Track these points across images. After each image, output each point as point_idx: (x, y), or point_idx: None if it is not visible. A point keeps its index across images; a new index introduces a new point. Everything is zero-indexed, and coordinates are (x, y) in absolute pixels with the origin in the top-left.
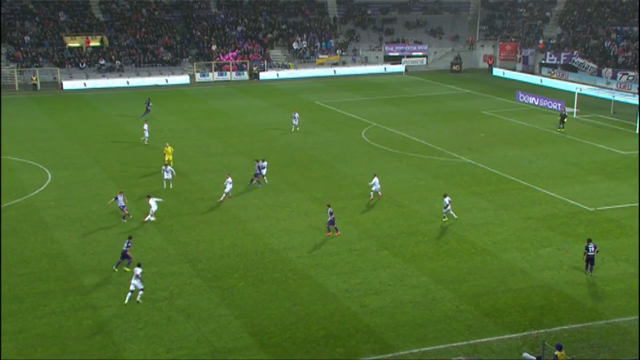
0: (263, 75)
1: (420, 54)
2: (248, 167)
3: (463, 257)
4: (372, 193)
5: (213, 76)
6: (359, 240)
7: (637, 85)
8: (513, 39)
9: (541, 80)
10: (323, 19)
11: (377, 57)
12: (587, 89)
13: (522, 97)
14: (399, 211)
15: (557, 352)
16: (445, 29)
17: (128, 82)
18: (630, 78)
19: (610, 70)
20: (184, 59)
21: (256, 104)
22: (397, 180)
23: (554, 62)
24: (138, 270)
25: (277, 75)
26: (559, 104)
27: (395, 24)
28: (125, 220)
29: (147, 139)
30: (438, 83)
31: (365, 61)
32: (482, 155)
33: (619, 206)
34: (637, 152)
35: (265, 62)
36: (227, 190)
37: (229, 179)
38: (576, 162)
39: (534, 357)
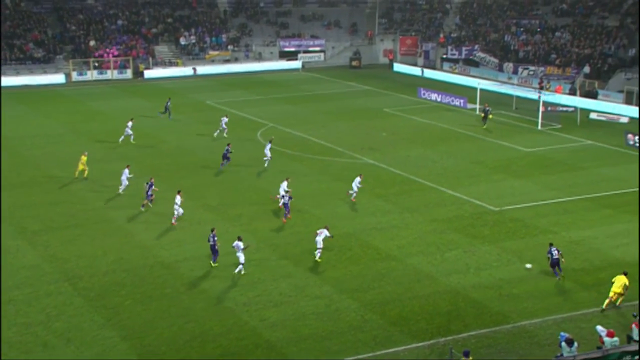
0: (148, 74)
1: (318, 49)
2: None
3: (367, 263)
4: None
5: (92, 75)
6: (257, 250)
7: (538, 81)
8: (413, 33)
9: (440, 76)
10: (212, 12)
11: (271, 52)
12: (488, 85)
13: (424, 94)
14: (300, 217)
15: (464, 359)
16: (343, 22)
17: None
18: (531, 73)
19: (511, 64)
20: (57, 56)
21: (142, 105)
22: (297, 184)
23: (456, 56)
24: (240, 244)
25: (164, 73)
26: (462, 100)
27: (290, 17)
28: (144, 209)
29: (132, 137)
30: (337, 80)
31: (259, 57)
32: (384, 155)
33: (523, 205)
34: (542, 149)
35: (150, 59)
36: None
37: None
38: (480, 160)
39: None
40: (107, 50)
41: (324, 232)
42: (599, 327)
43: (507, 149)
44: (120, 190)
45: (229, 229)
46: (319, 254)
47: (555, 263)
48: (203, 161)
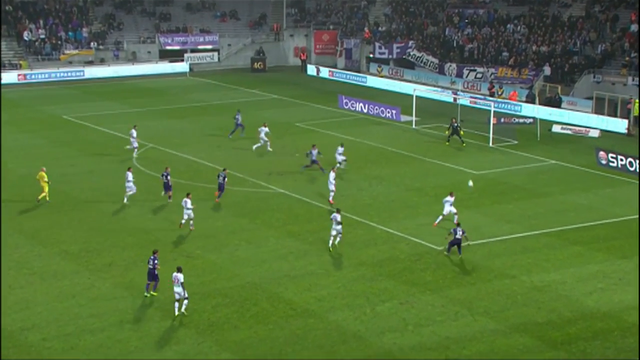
0: None
1: (210, 47)
2: None
3: (278, 322)
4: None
5: None
6: (134, 308)
7: (488, 85)
8: (331, 26)
9: (366, 80)
10: None
11: (149, 51)
12: (426, 91)
13: (346, 103)
14: (190, 264)
15: None
16: (242, 12)
17: None
18: (479, 75)
19: (454, 65)
20: None
21: None
22: (186, 221)
23: (385, 56)
24: (180, 277)
25: (1, 78)
26: (394, 111)
27: (172, 6)
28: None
29: (136, 150)
30: (235, 86)
31: (133, 58)
32: (298, 182)
33: (473, 243)
34: (494, 171)
35: None
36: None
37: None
38: (419, 187)
39: None
40: None
41: (337, 217)
42: None
43: (451, 172)
44: (126, 200)
45: (95, 282)
46: (338, 238)
47: (457, 243)
48: (59, 194)
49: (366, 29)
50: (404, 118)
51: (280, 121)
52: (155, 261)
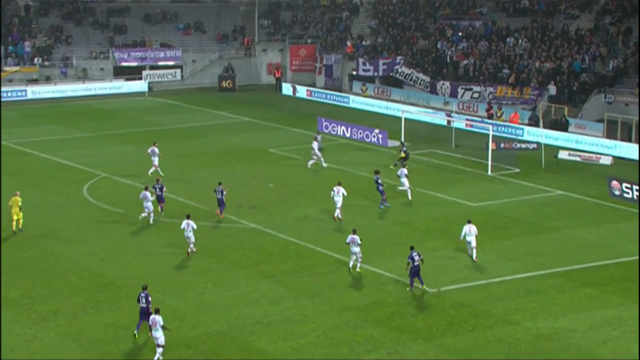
0: None
1: (172, 63)
2: None
3: None
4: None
5: None
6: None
7: (486, 107)
8: (310, 40)
9: (348, 100)
10: (8, 8)
11: (102, 69)
12: (416, 112)
13: (326, 126)
14: None
15: None
16: (208, 24)
17: None
18: (476, 95)
19: (448, 84)
20: None
21: None
22: (143, 261)
23: (370, 73)
24: (159, 319)
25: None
26: (380, 135)
27: (128, 16)
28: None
29: (160, 170)
30: (201, 108)
31: (84, 75)
32: (272, 216)
33: (470, 284)
34: (494, 202)
35: None
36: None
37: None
38: (408, 220)
39: None
40: None
41: (356, 239)
42: None
43: (445, 204)
44: (152, 220)
45: (38, 333)
46: (359, 263)
47: (417, 271)
48: None
49: (348, 43)
50: (391, 143)
51: (251, 147)
52: (149, 298)
